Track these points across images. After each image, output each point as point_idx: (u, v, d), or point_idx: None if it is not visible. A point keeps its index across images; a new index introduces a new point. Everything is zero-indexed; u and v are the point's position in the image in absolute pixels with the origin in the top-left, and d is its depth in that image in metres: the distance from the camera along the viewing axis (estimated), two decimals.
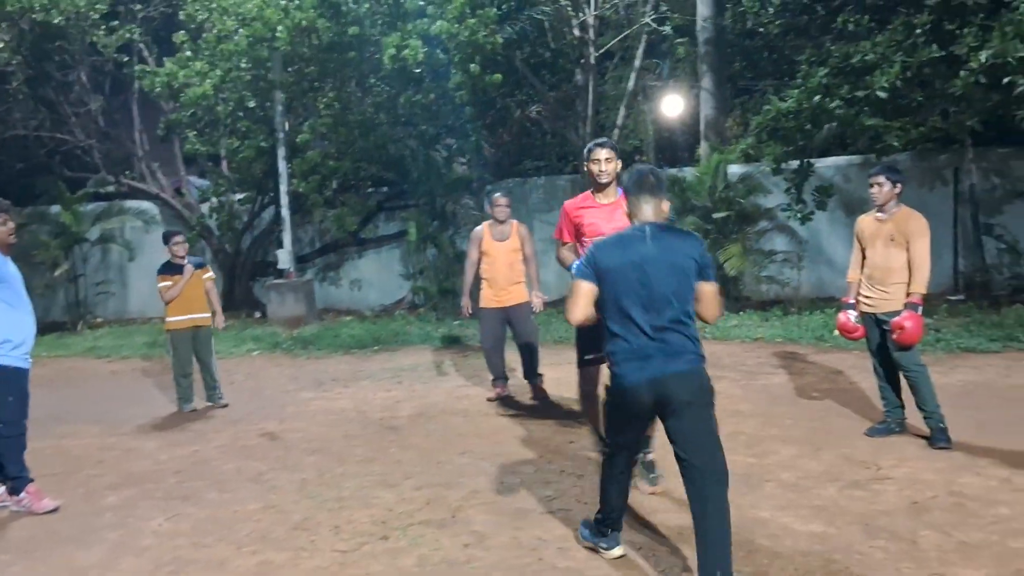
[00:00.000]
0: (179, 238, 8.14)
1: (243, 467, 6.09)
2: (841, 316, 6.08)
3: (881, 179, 5.81)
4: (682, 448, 3.67)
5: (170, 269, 8.00)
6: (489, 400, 7.75)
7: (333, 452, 6.35)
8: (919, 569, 3.85)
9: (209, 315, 8.14)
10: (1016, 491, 4.76)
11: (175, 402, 8.16)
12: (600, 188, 5.21)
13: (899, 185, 5.82)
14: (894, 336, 5.61)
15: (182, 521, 5.03)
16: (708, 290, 3.74)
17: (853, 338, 6.13)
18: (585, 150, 5.32)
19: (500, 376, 7.84)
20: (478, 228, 7.73)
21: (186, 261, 8.04)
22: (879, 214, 5.90)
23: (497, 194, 7.72)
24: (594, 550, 4.18)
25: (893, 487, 4.91)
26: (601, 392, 4.29)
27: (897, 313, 5.63)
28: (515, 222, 7.73)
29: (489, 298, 7.60)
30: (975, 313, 10.37)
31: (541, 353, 7.85)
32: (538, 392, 7.69)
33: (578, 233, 5.26)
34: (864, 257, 5.99)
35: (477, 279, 7.75)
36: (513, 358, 7.98)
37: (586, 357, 5.18)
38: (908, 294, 5.66)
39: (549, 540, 4.40)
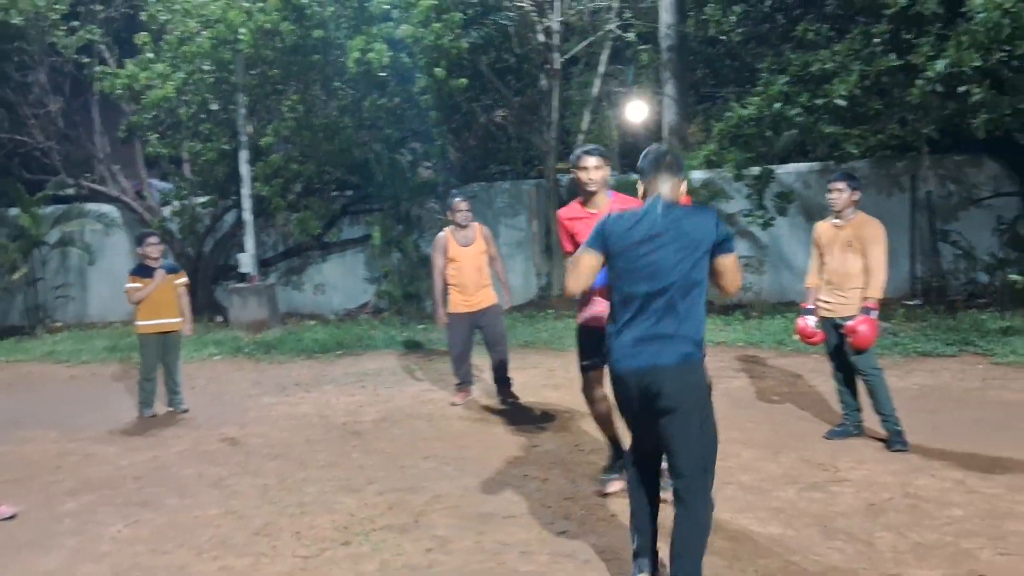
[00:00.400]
0: (153, 239, 7.97)
1: (204, 472, 6.04)
2: (800, 321, 6.16)
3: (840, 185, 5.92)
4: (666, 446, 3.53)
5: (142, 271, 7.86)
6: (453, 405, 7.75)
7: (295, 457, 6.31)
8: (875, 570, 3.92)
9: (179, 320, 8.02)
10: (970, 492, 4.86)
11: (136, 406, 8.06)
12: (588, 197, 4.98)
13: (857, 192, 5.94)
14: (849, 340, 5.72)
15: (142, 527, 4.98)
16: (726, 263, 3.55)
17: (812, 343, 6.22)
18: (572, 156, 5.11)
19: (466, 381, 7.86)
20: (441, 235, 7.68)
21: (160, 264, 7.92)
22: (836, 220, 6.00)
23: (457, 199, 7.68)
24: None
25: (850, 489, 5.00)
26: (609, 394, 4.12)
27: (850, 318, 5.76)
28: (477, 224, 7.73)
29: (459, 303, 7.57)
30: (931, 318, 10.56)
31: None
32: (508, 395, 7.71)
33: (574, 244, 4.91)
34: (822, 263, 6.10)
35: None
36: (479, 362, 8.00)
37: (584, 363, 5.04)
38: (864, 299, 5.76)
39: (512, 544, 4.42)
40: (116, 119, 15.60)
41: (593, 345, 4.70)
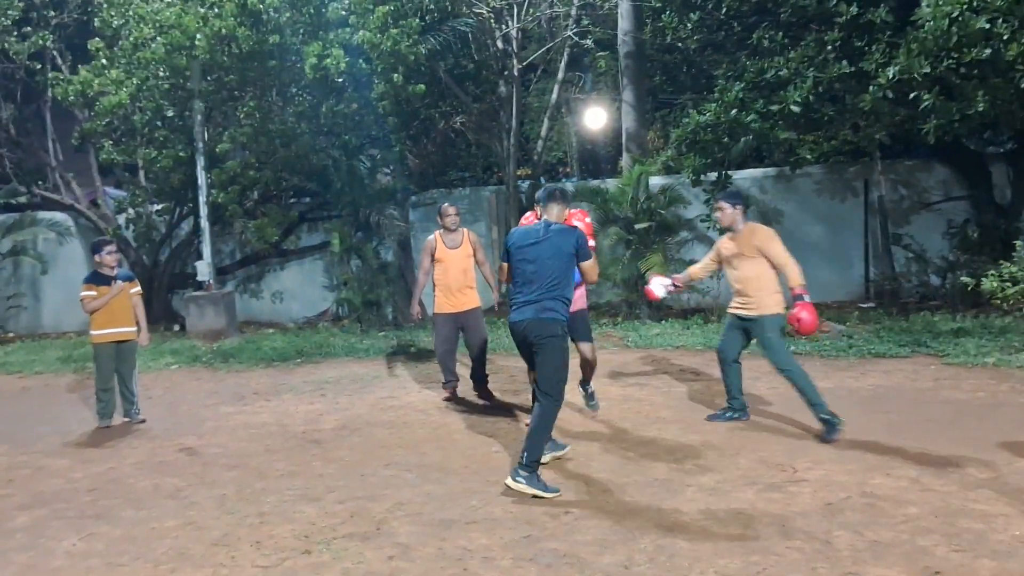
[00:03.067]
0: (110, 247, 7.83)
1: (160, 484, 5.94)
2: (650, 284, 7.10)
3: (722, 204, 6.59)
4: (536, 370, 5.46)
5: (98, 279, 7.72)
6: (446, 400, 8.09)
7: (253, 467, 6.24)
8: (833, 569, 3.97)
9: (134, 330, 7.90)
10: (925, 491, 4.94)
11: (92, 418, 7.91)
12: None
13: (739, 207, 6.56)
14: (795, 328, 6.17)
15: (96, 540, 4.88)
16: (586, 265, 5.55)
17: (652, 298, 7.34)
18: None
19: (453, 378, 8.12)
20: (431, 238, 8.01)
21: (116, 273, 7.78)
22: (730, 234, 6.62)
23: (446, 204, 8.09)
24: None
25: (808, 489, 5.06)
26: None
27: (760, 318, 6.34)
28: (465, 229, 8.08)
29: (443, 304, 7.88)
30: (885, 320, 10.74)
31: (466, 360, 8.11)
32: (485, 394, 8.03)
33: None
34: (719, 268, 6.87)
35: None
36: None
37: None
38: (792, 289, 6.17)
39: (474, 550, 4.40)
40: (69, 126, 15.37)
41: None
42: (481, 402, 7.96)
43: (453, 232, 7.91)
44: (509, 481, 5.27)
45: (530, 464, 5.21)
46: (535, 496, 5.12)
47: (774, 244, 6.34)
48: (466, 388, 8.24)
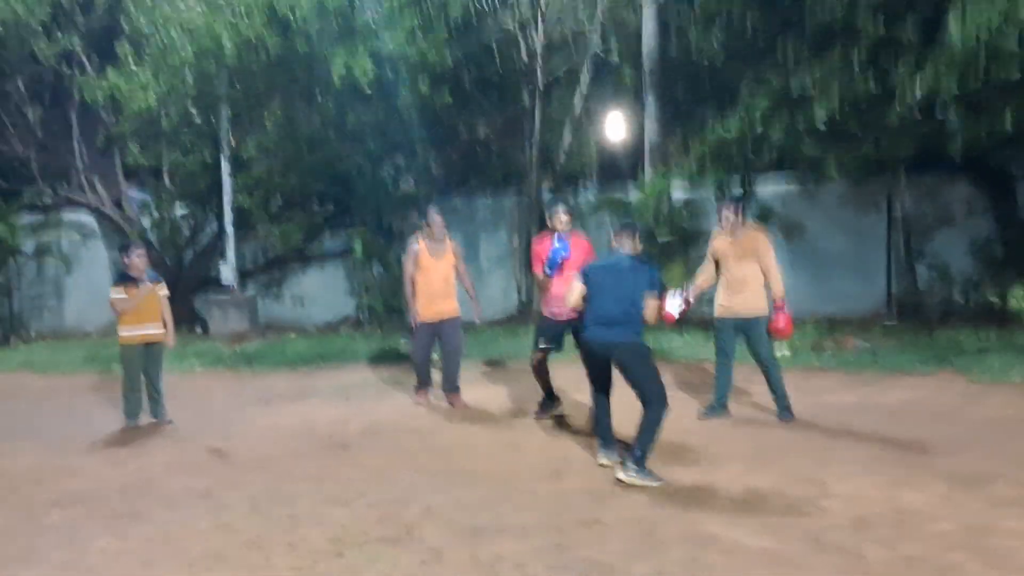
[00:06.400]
0: (139, 250, 7.96)
1: (190, 485, 5.99)
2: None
3: (728, 208, 7.20)
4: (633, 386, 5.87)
5: (126, 281, 7.82)
6: (418, 404, 8.25)
7: (282, 470, 6.29)
8: None
9: (162, 331, 7.97)
10: (955, 507, 4.94)
11: (118, 418, 7.98)
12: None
13: (741, 211, 7.24)
14: (774, 335, 7.00)
15: (130, 540, 4.93)
16: (647, 300, 5.86)
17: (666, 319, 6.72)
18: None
19: (427, 383, 8.33)
20: (415, 246, 8.07)
21: (144, 276, 7.86)
22: (730, 236, 7.13)
23: (435, 212, 8.15)
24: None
25: (838, 502, 5.06)
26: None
27: (754, 318, 6.97)
28: (448, 239, 8.17)
29: (424, 312, 8.01)
30: (908, 336, 10.70)
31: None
32: (457, 403, 8.16)
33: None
34: (719, 271, 7.19)
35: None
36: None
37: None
38: (774, 299, 6.91)
39: (506, 557, 4.42)
40: (94, 128, 15.50)
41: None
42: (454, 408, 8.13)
43: (438, 241, 8.02)
44: (621, 475, 5.56)
45: (640, 459, 5.53)
46: (643, 485, 5.44)
47: (771, 253, 7.04)
48: (477, 397, 8.35)
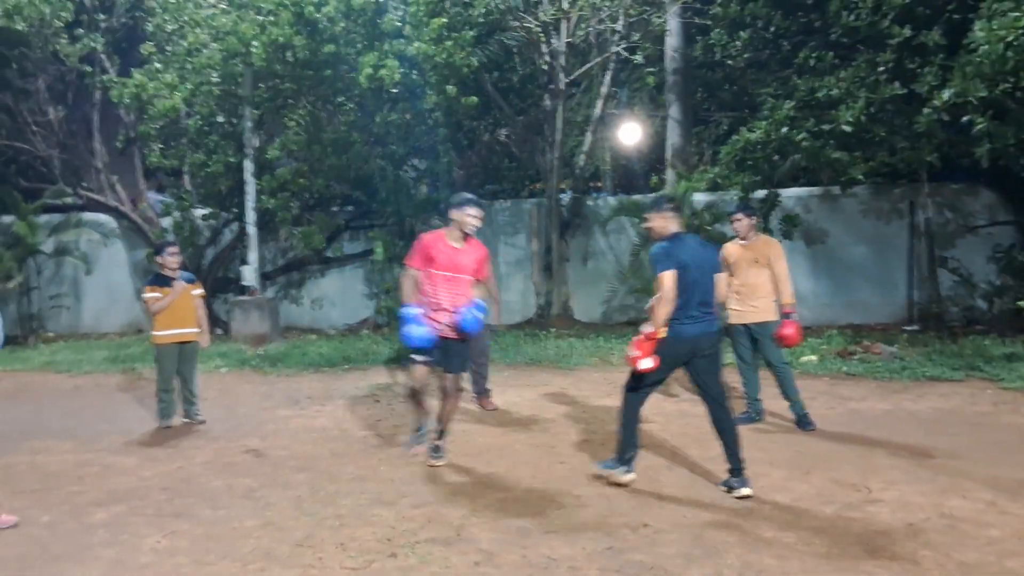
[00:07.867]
0: (173, 249, 7.93)
1: (233, 484, 6.01)
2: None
3: (741, 215, 7.21)
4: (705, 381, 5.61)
5: (160, 281, 7.83)
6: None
7: (322, 470, 6.30)
8: None
9: (196, 331, 7.98)
10: (1003, 514, 4.94)
11: (149, 417, 8.02)
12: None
13: (754, 218, 7.32)
14: (782, 342, 6.86)
15: (179, 538, 4.94)
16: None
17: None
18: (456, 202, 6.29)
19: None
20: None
21: (178, 275, 7.88)
22: (742, 241, 7.21)
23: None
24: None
25: (886, 509, 5.06)
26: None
27: (766, 323, 7.01)
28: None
29: None
30: (934, 343, 10.69)
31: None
32: (486, 404, 8.31)
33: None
34: (731, 278, 7.14)
35: None
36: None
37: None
38: (783, 306, 6.92)
39: (558, 559, 4.43)
40: (115, 129, 15.55)
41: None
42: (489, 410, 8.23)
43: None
44: (741, 491, 5.37)
45: (739, 468, 5.46)
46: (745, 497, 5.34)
47: (783, 260, 7.07)
48: (506, 401, 8.45)
